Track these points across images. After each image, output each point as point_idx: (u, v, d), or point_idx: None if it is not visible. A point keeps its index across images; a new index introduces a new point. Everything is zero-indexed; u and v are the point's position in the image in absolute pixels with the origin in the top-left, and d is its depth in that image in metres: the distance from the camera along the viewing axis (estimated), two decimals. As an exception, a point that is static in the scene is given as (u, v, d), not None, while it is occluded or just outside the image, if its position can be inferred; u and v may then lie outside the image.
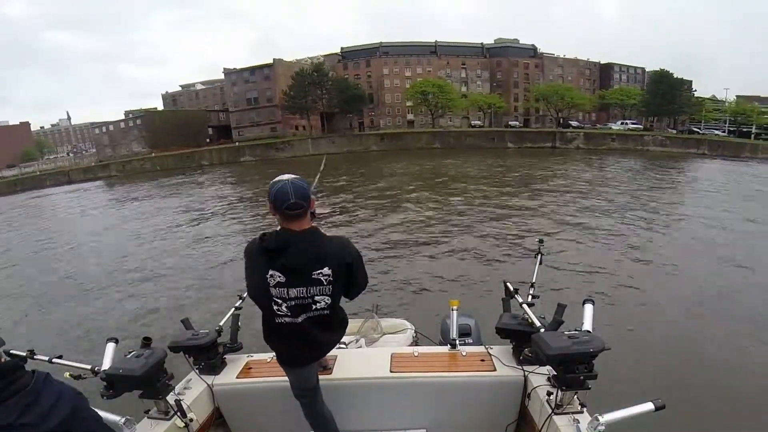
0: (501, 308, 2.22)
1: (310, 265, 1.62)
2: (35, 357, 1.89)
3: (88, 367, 1.86)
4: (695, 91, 57.73)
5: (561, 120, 55.24)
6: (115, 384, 1.67)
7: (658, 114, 52.67)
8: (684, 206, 15.29)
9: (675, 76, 50.42)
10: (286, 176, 1.63)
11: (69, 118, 75.24)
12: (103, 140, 54.74)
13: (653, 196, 17.27)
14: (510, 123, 57.99)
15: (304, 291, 1.64)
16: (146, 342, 1.92)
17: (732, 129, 48.04)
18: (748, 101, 50.12)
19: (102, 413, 1.31)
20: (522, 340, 2.01)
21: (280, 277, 1.61)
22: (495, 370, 2.02)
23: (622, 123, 52.27)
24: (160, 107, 64.16)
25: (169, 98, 64.97)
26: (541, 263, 2.45)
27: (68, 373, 1.83)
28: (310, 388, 1.90)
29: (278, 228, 1.66)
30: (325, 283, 1.65)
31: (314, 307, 1.68)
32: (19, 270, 11.09)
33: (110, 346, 1.94)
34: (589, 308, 1.82)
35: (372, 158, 38.99)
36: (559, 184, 20.84)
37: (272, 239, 1.61)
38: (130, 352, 1.81)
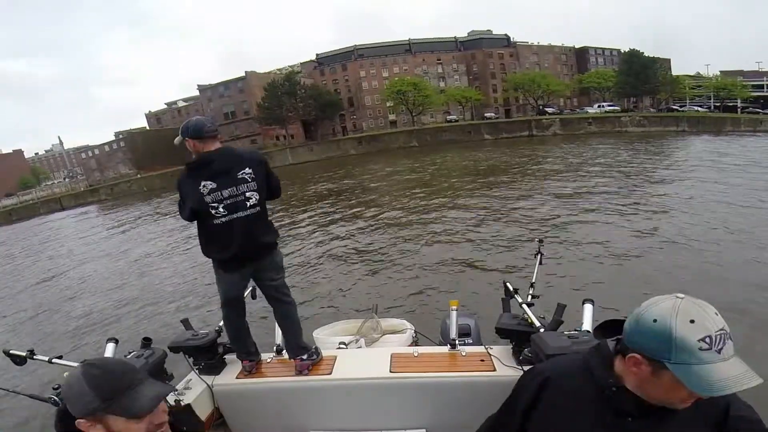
0: (501, 308, 2.21)
1: (236, 168, 1.95)
2: (35, 357, 1.87)
3: None
4: (667, 70, 57.09)
5: (540, 107, 55.27)
6: None
7: (634, 94, 52.42)
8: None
9: (646, 55, 50.15)
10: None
11: (61, 143, 76.05)
12: (90, 164, 55.48)
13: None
14: (486, 115, 57.94)
15: (234, 189, 1.94)
16: (146, 342, 1.93)
17: (717, 105, 47.71)
18: (731, 76, 49.66)
19: None
20: (522, 340, 2.00)
21: (211, 184, 1.91)
22: (495, 370, 2.00)
23: (598, 106, 52.17)
24: (148, 127, 65.04)
25: (152, 117, 65.61)
26: (541, 263, 2.43)
27: (68, 374, 2.01)
28: (235, 297, 2.10)
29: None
30: (249, 180, 1.97)
31: (248, 204, 1.95)
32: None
33: (110, 347, 1.93)
34: (588, 308, 1.83)
35: (349, 162, 39.22)
36: (539, 170, 20.53)
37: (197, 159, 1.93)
38: (130, 353, 1.84)
